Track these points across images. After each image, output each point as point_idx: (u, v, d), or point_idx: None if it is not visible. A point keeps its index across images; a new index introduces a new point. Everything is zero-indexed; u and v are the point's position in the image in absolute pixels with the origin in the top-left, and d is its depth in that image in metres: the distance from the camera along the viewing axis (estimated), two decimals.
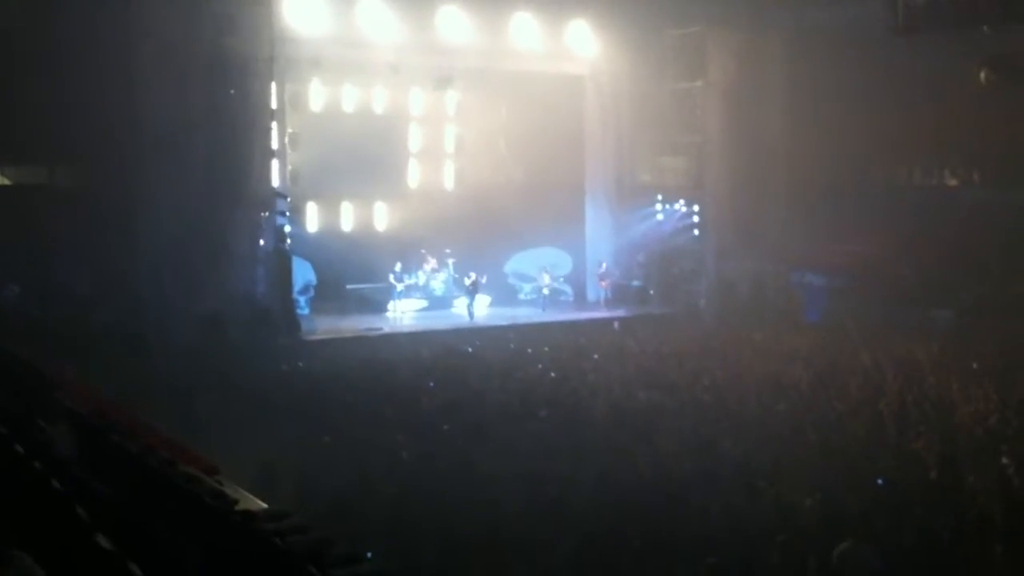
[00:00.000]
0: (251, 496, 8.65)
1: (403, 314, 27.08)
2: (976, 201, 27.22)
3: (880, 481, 12.31)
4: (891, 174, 29.93)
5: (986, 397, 16.62)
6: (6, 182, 23.88)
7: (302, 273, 25.26)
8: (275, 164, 23.76)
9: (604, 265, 29.56)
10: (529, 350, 22.31)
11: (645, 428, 14.92)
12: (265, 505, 8.42)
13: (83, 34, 21.03)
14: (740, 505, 11.50)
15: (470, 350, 22.38)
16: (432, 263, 28.41)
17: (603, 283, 29.36)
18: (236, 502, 8.03)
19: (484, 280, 27.71)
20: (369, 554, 7.81)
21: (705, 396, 17.31)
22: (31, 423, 10.01)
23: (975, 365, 19.51)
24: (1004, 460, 12.81)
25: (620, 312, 27.73)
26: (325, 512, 10.18)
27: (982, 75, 22.70)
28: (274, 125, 23.68)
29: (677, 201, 29.59)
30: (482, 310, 27.45)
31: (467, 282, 27.31)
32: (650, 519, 10.96)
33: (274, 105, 23.68)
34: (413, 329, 25.50)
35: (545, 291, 28.88)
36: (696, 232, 29.20)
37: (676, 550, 10.21)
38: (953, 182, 29.14)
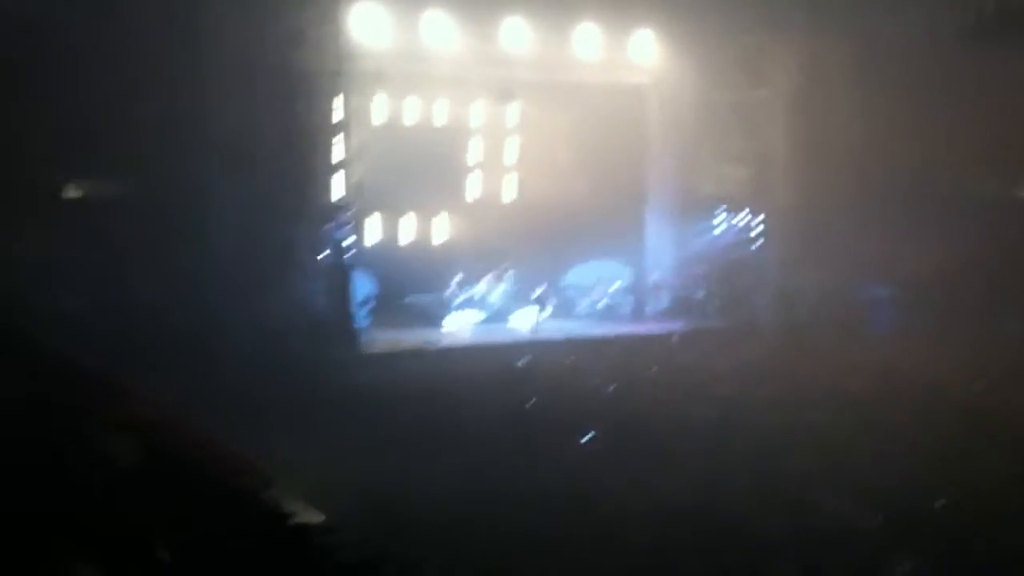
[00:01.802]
0: (308, 508, 8.71)
1: (461, 327, 27.08)
2: None
3: (945, 501, 12.10)
4: (960, 184, 29.33)
5: None
6: (78, 194, 24.31)
7: (363, 285, 25.42)
8: (338, 177, 23.94)
9: (657, 277, 29.41)
10: (585, 363, 22.20)
11: (699, 443, 14.82)
12: (322, 517, 8.47)
13: (152, 47, 21.38)
14: (797, 524, 11.35)
15: (519, 362, 22.38)
16: (491, 276, 28.40)
17: (656, 291, 29.22)
18: (293, 514, 8.10)
19: (549, 292, 27.66)
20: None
21: (764, 412, 17.12)
22: (96, 434, 10.19)
23: None
24: None
25: (680, 325, 27.49)
26: (378, 526, 10.23)
27: None
28: (338, 138, 23.84)
29: (740, 212, 29.29)
30: (540, 322, 27.36)
31: (537, 293, 27.28)
32: (703, 536, 10.88)
33: (339, 118, 23.85)
34: (471, 342, 25.49)
35: (603, 303, 28.72)
36: (759, 243, 28.88)
37: (730, 569, 10.11)
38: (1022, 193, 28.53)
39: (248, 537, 7.93)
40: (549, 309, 27.87)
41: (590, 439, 15.42)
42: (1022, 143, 26.51)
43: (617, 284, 29.88)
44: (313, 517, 8.59)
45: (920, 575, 9.62)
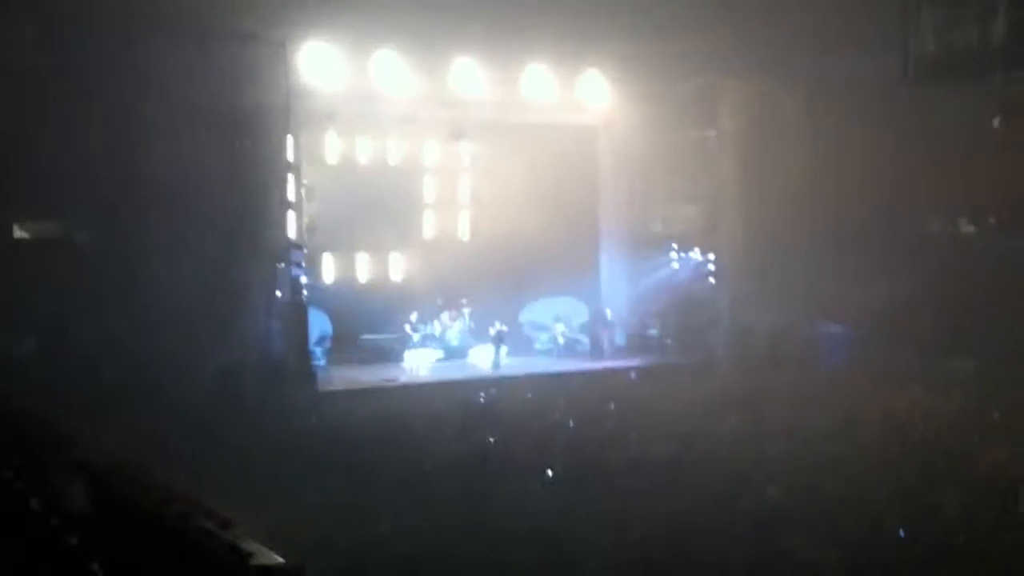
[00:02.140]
0: (266, 550, 8.54)
1: (419, 364, 26.96)
2: (993, 247, 27.08)
3: (901, 534, 12.16)
4: (908, 222, 29.79)
5: (1009, 448, 16.42)
6: (24, 236, 23.99)
7: (318, 324, 25.24)
8: (291, 216, 23.82)
9: (609, 313, 29.58)
10: (544, 400, 22.19)
11: (662, 480, 14.80)
12: (280, 560, 8.32)
13: (97, 88, 21.23)
14: (761, 560, 11.35)
15: (482, 399, 22.30)
16: (448, 313, 28.36)
17: (604, 332, 29.33)
18: (251, 555, 7.94)
19: (507, 330, 27.64)
20: None
21: (723, 447, 17.16)
22: (47, 479, 9.98)
23: (996, 415, 19.30)
24: None
25: (636, 362, 27.58)
26: (337, 569, 10.08)
27: (996, 122, 22.73)
28: (290, 177, 23.75)
29: (692, 249, 29.52)
30: (497, 359, 27.32)
31: (492, 332, 27.26)
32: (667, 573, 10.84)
33: (290, 158, 23.77)
34: (429, 380, 25.37)
35: (560, 340, 28.79)
36: (712, 281, 29.11)
37: None
38: (970, 229, 28.99)
39: None
40: (507, 346, 27.85)
41: (550, 476, 15.35)
42: (966, 180, 27.01)
43: (573, 321, 29.99)
44: (272, 558, 8.44)
45: None
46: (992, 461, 15.60)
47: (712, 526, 12.67)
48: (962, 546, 11.73)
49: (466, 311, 28.53)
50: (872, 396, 21.64)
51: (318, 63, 24.51)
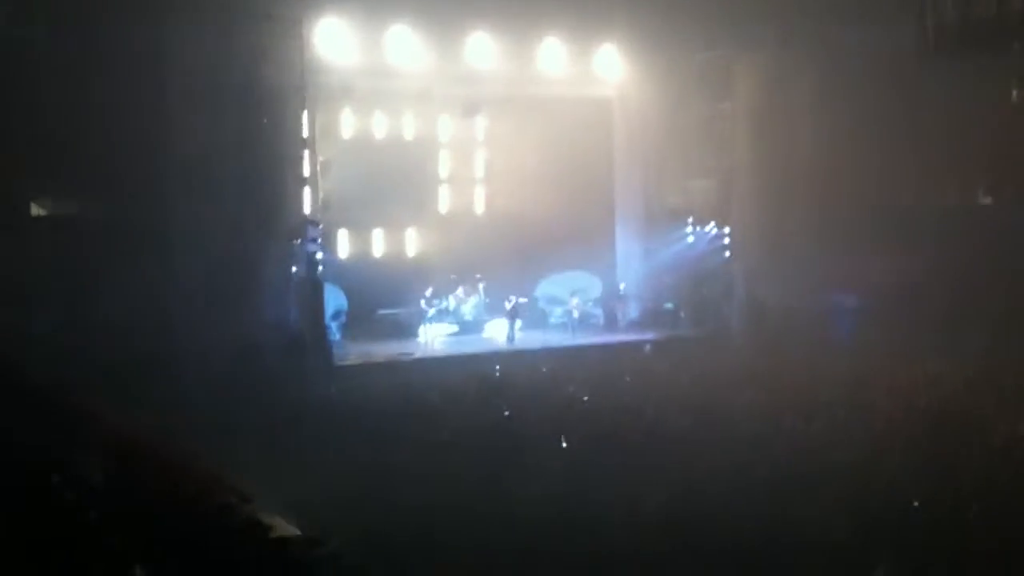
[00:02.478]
0: (285, 523, 8.68)
1: (434, 339, 27.09)
2: (1009, 220, 26.95)
3: (916, 503, 12.21)
4: (923, 194, 29.67)
5: (1020, 418, 16.44)
6: (41, 213, 24.15)
7: (334, 299, 25.38)
8: (307, 192, 23.95)
9: (622, 287, 29.66)
10: (560, 374, 22.28)
11: (677, 452, 14.89)
12: (299, 532, 8.44)
13: (115, 65, 21.31)
14: (775, 530, 11.42)
15: (497, 372, 22.43)
16: (462, 288, 28.44)
17: (617, 304, 29.42)
18: (271, 529, 8.06)
19: (524, 303, 27.71)
20: None
21: (738, 420, 17.22)
22: (66, 455, 10.11)
23: (1008, 386, 19.29)
24: None
25: (650, 335, 27.64)
26: (358, 538, 10.19)
27: (1014, 93, 22.57)
28: (305, 153, 23.85)
29: (707, 224, 29.51)
30: (512, 333, 27.44)
31: (507, 306, 27.33)
32: (682, 545, 10.92)
33: (305, 134, 23.87)
34: (444, 353, 25.58)
35: (575, 314, 28.83)
36: (726, 254, 29.10)
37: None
38: (986, 201, 28.85)
39: (228, 552, 7.89)
40: (519, 321, 27.94)
41: (566, 447, 15.47)
42: (983, 154, 26.87)
43: (588, 295, 30.07)
44: (291, 531, 8.56)
45: None
46: (1005, 433, 15.62)
47: (726, 496, 12.74)
48: (975, 516, 11.77)
49: (481, 286, 28.62)
50: (885, 369, 21.68)
51: (333, 39, 24.58)
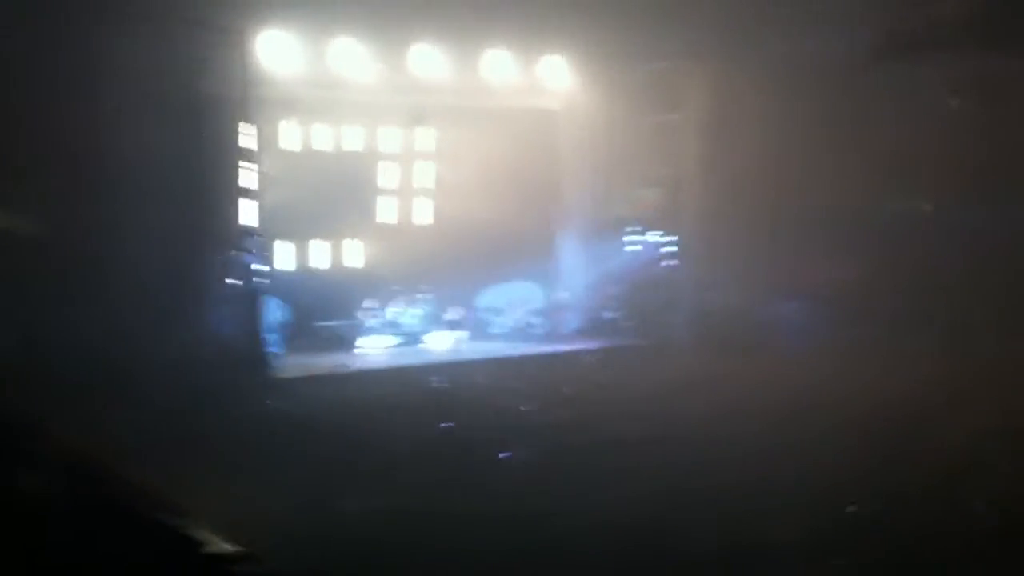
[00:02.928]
0: (217, 539, 8.38)
1: (374, 350, 26.83)
2: (952, 223, 27.28)
3: (852, 508, 12.21)
4: (868, 200, 29.96)
5: (971, 422, 16.52)
6: None
7: (273, 311, 25.08)
8: (247, 204, 23.59)
9: (558, 296, 29.90)
10: (502, 384, 22.16)
11: (623, 462, 14.76)
12: (232, 548, 8.16)
13: (49, 75, 20.84)
14: (728, 538, 11.32)
15: (433, 383, 22.22)
16: (403, 299, 28.27)
17: (554, 314, 29.42)
18: (202, 544, 7.78)
19: (463, 314, 27.56)
20: None
21: (682, 428, 17.16)
22: (6, 470, 9.76)
23: (958, 389, 19.42)
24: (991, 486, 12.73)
25: (593, 344, 27.58)
26: (295, 554, 9.95)
27: (951, 100, 22.85)
28: (247, 165, 23.51)
29: (654, 232, 29.55)
30: (454, 344, 27.27)
31: (447, 316, 27.20)
32: (635, 556, 10.79)
33: (247, 145, 23.53)
34: (384, 365, 25.28)
35: (518, 324, 28.70)
36: (673, 262, 29.14)
37: None
38: (928, 206, 29.20)
39: (160, 568, 7.61)
40: (464, 331, 27.80)
41: (509, 458, 15.29)
42: (931, 158, 27.17)
43: (531, 305, 29.98)
44: (223, 547, 8.28)
45: None
46: (955, 437, 15.67)
47: (672, 509, 12.64)
48: (927, 523, 11.76)
49: (424, 296, 28.44)
50: (835, 375, 21.77)
51: (276, 50, 24.35)
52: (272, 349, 24.67)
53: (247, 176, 23.60)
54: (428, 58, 26.44)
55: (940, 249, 26.40)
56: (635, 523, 11.97)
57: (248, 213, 23.66)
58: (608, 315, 29.80)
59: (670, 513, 12.34)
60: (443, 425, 17.77)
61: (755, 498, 12.98)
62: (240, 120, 23.27)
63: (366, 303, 27.47)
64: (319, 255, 28.95)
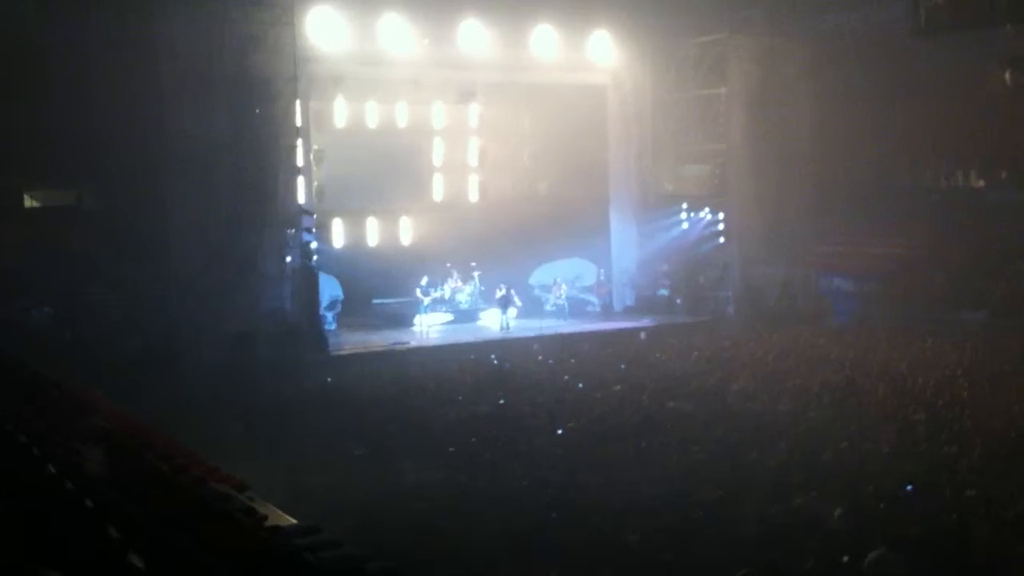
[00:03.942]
0: (281, 512, 8.68)
1: (430, 328, 27.07)
2: (1003, 201, 27.01)
3: (909, 487, 12.20)
4: (918, 176, 29.74)
5: (1020, 400, 16.45)
6: (35, 204, 24.12)
7: (329, 289, 25.38)
8: (300, 181, 23.90)
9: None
10: (553, 361, 22.28)
11: (674, 437, 14.89)
12: (295, 521, 8.44)
13: (108, 55, 21.28)
14: (771, 514, 11.41)
15: (495, 360, 22.38)
16: (458, 276, 28.43)
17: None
18: (266, 518, 8.05)
19: (514, 292, 27.63)
20: None
21: (734, 404, 17.22)
22: (63, 444, 10.09)
23: (1006, 368, 19.31)
24: None
25: (646, 321, 27.64)
26: (355, 527, 10.19)
27: (1007, 75, 22.57)
28: (299, 143, 23.79)
29: (702, 209, 29.52)
30: (509, 321, 27.43)
31: (498, 294, 27.30)
32: (680, 529, 10.92)
33: (298, 123, 23.80)
34: (440, 343, 25.46)
35: (562, 301, 28.67)
36: (722, 239, 29.11)
37: (707, 560, 10.14)
38: (980, 183, 28.92)
39: (224, 541, 7.88)
40: (516, 308, 27.91)
41: (565, 433, 15.45)
42: (978, 135, 26.89)
43: (584, 282, 30.07)
44: (286, 519, 8.56)
45: (887, 562, 9.68)
46: (1004, 414, 15.63)
47: (722, 480, 12.74)
48: (974, 498, 11.77)
49: (476, 274, 28.60)
50: (881, 350, 21.70)
51: (325, 28, 24.52)
52: (329, 326, 25.04)
53: (301, 154, 23.91)
54: (476, 34, 26.49)
55: (992, 225, 26.18)
56: (692, 496, 12.09)
57: (303, 191, 23.97)
58: (660, 292, 29.82)
59: (722, 487, 12.43)
60: (500, 402, 17.91)
61: (805, 470, 13.06)
62: (293, 99, 23.53)
63: (421, 280, 27.60)
64: (373, 232, 29.24)
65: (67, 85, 21.24)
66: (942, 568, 9.95)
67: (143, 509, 8.54)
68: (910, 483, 12.30)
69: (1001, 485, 12.16)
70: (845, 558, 9.87)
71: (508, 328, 26.83)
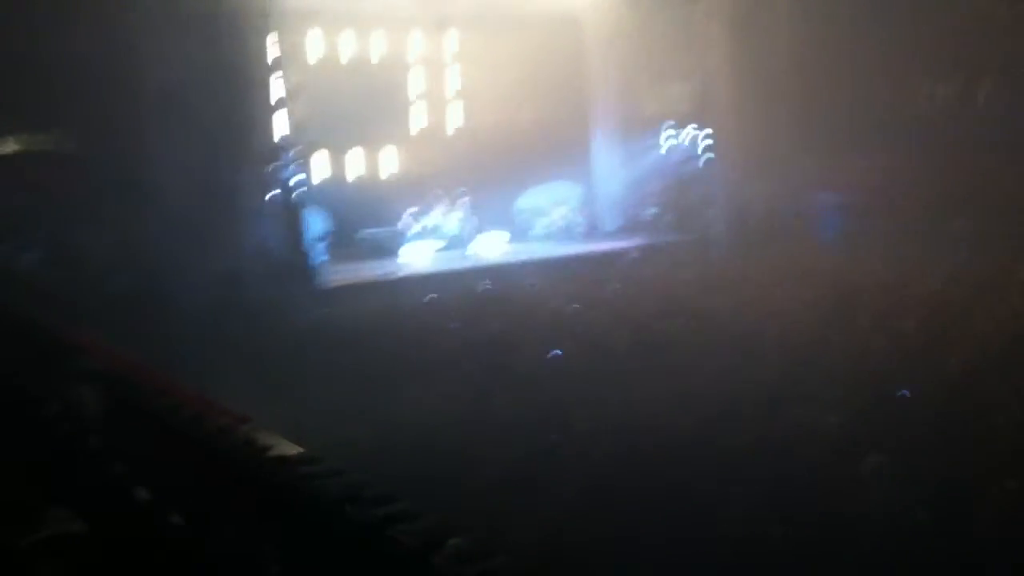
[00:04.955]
0: (284, 441, 8.67)
1: (419, 256, 26.97)
2: (987, 111, 26.91)
3: (905, 393, 12.31)
4: (901, 90, 29.54)
5: (1009, 305, 16.57)
6: (16, 148, 23.83)
7: (315, 223, 25.21)
8: (279, 117, 23.62)
9: (608, 195, 29.74)
10: (543, 285, 22.27)
11: (666, 357, 14.95)
12: (299, 450, 8.45)
13: None
14: (765, 427, 11.50)
15: (489, 285, 22.34)
16: (445, 204, 28.25)
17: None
18: (269, 448, 8.06)
19: (503, 218, 27.47)
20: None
21: (725, 321, 17.29)
22: (56, 387, 10.08)
23: (996, 274, 19.43)
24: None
25: (636, 241, 27.61)
26: (351, 459, 10.21)
27: None
28: (275, 78, 23.47)
29: (686, 128, 29.32)
30: (500, 247, 27.33)
31: (488, 220, 27.24)
32: (675, 448, 10.99)
33: (273, 58, 23.46)
34: (431, 270, 25.31)
35: (558, 224, 28.65)
36: (708, 157, 28.96)
37: (703, 478, 10.20)
38: (963, 102, 28.78)
39: (227, 472, 7.92)
40: (506, 234, 27.84)
41: (556, 357, 15.50)
42: (962, 54, 26.71)
43: (570, 205, 29.97)
44: (290, 449, 8.57)
45: (883, 467, 9.80)
46: (994, 319, 15.75)
47: (715, 396, 12.83)
48: (967, 405, 11.89)
49: (464, 201, 28.44)
50: (870, 262, 21.79)
51: None
52: (316, 259, 24.90)
53: (279, 89, 23.61)
54: None
55: (974, 145, 26.09)
56: (680, 417, 12.17)
57: (283, 126, 23.71)
58: (647, 212, 29.75)
59: (711, 407, 12.51)
60: (495, 328, 17.88)
61: (796, 386, 13.14)
62: (266, 33, 23.17)
63: (409, 209, 27.43)
64: (356, 164, 28.98)
65: (35, 23, 20.85)
66: (939, 470, 10.06)
67: (144, 446, 8.58)
68: (904, 390, 12.43)
69: (993, 387, 12.31)
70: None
71: (500, 252, 26.65)
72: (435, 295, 21.64)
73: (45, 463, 7.52)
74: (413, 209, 27.57)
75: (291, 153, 23.71)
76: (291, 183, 23.65)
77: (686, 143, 29.33)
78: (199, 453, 8.26)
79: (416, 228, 27.53)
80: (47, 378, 10.27)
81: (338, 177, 28.29)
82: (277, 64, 23.58)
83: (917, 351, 14.43)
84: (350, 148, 28.67)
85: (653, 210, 29.68)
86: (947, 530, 8.95)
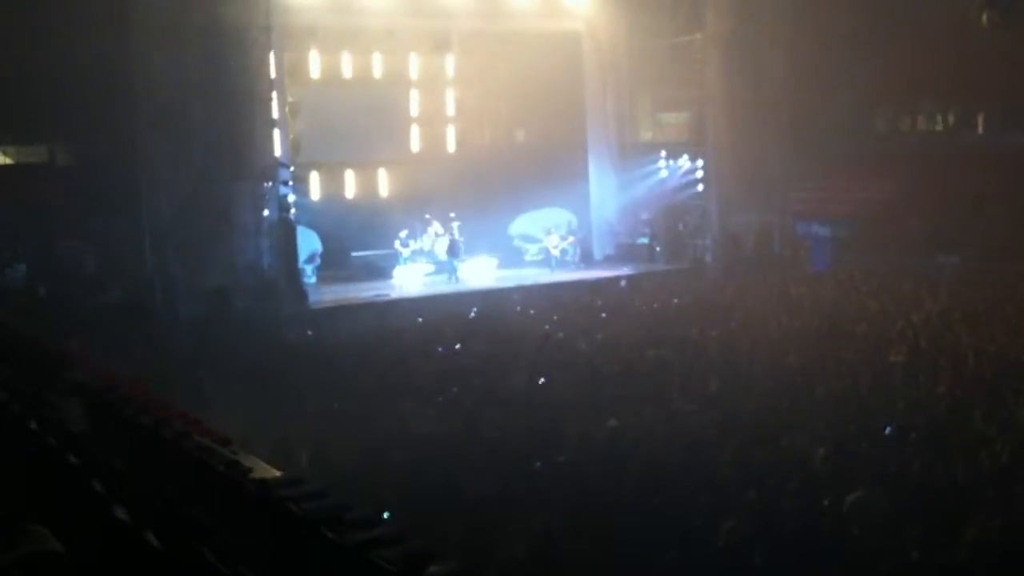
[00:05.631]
0: (265, 465, 8.66)
1: (410, 279, 26.96)
2: (980, 144, 27.09)
3: (889, 428, 12.32)
4: (894, 121, 29.77)
5: (994, 341, 16.62)
6: (7, 161, 23.87)
7: (307, 242, 25.22)
8: (276, 134, 23.67)
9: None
10: (534, 312, 22.25)
11: (655, 385, 14.95)
12: (279, 472, 8.43)
13: (78, 6, 20.95)
14: (752, 457, 11.49)
15: (475, 312, 22.31)
16: (437, 227, 28.24)
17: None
18: (250, 470, 8.04)
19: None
20: (386, 515, 7.83)
21: (714, 350, 17.29)
22: (43, 400, 10.03)
23: (982, 310, 19.50)
24: (1012, 400, 12.87)
25: (627, 270, 27.64)
26: (337, 480, 10.19)
27: (983, 17, 22.54)
28: (274, 95, 23.53)
29: (680, 157, 29.42)
30: (489, 272, 27.33)
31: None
32: (662, 475, 10.97)
33: (273, 75, 23.53)
34: (420, 294, 25.35)
35: (555, 252, 28.58)
36: (700, 187, 29.05)
37: (690, 505, 10.18)
38: (956, 127, 28.99)
39: (209, 493, 7.88)
40: (494, 259, 27.83)
41: (547, 383, 15.48)
42: (954, 78, 26.88)
43: (562, 231, 29.99)
44: (271, 471, 8.54)
45: (867, 503, 9.78)
46: (979, 356, 15.78)
47: (703, 424, 12.83)
48: (953, 436, 11.90)
49: (456, 224, 28.43)
50: (858, 294, 21.84)
51: None
52: (309, 279, 24.91)
53: (276, 107, 23.66)
54: None
55: (968, 169, 26.23)
56: (663, 442, 12.16)
57: (279, 144, 23.75)
58: (640, 240, 29.80)
59: (703, 431, 12.51)
60: (482, 353, 17.83)
61: (786, 414, 13.16)
62: (267, 50, 23.26)
63: (400, 232, 27.45)
64: (351, 184, 29.04)
65: (35, 37, 20.92)
66: (921, 507, 10.05)
67: (126, 463, 8.52)
68: (889, 424, 12.44)
69: (979, 424, 12.32)
70: (826, 501, 9.96)
71: (492, 277, 26.62)
72: (421, 319, 21.68)
73: (28, 479, 7.48)
74: (405, 232, 27.61)
75: (286, 172, 23.76)
76: (285, 201, 23.70)
77: (680, 172, 29.42)
78: (183, 473, 8.23)
79: (408, 251, 27.54)
80: (33, 391, 10.24)
81: (332, 197, 28.33)
82: (275, 82, 23.65)
83: (902, 384, 14.45)
84: (345, 169, 28.77)
85: (644, 239, 29.73)
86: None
